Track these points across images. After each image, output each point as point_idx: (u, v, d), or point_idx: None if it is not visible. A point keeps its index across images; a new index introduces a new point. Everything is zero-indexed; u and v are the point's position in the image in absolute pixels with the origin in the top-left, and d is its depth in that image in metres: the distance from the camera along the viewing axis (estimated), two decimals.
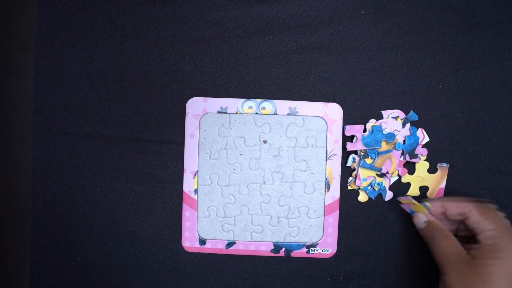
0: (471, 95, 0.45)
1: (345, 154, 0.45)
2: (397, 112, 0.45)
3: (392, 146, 0.44)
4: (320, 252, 0.46)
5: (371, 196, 0.45)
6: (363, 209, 0.46)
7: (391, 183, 0.45)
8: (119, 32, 0.45)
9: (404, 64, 0.45)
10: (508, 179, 0.45)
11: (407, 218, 0.45)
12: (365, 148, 0.44)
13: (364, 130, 0.45)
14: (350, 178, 0.46)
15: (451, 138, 0.45)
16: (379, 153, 0.44)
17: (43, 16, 0.46)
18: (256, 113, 0.45)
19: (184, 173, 0.45)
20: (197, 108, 0.45)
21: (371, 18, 0.45)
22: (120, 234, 0.46)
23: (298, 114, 0.45)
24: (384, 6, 0.45)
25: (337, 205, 0.45)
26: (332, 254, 0.46)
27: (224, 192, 0.46)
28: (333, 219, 0.45)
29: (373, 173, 0.45)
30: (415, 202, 0.42)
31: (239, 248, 0.46)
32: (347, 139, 0.45)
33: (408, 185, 0.45)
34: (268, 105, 0.45)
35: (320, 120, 0.45)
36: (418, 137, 0.45)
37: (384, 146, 0.44)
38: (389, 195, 0.45)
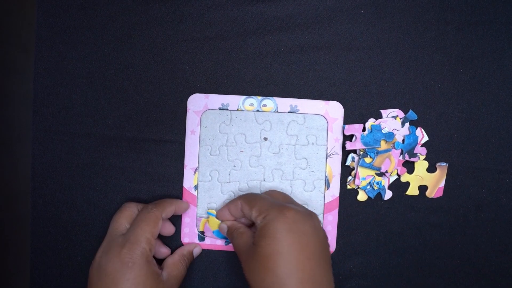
0: (470, 94, 0.45)
1: (345, 153, 0.45)
2: (396, 112, 0.45)
3: (391, 145, 0.44)
4: None
5: (370, 195, 0.45)
6: (362, 208, 0.46)
7: (390, 182, 0.45)
8: (118, 32, 0.46)
9: (404, 63, 0.45)
10: (507, 178, 0.45)
11: (406, 217, 0.46)
12: (364, 147, 0.44)
13: (363, 129, 0.45)
14: (349, 177, 0.46)
15: (450, 137, 0.45)
16: (378, 152, 0.44)
17: (43, 16, 0.46)
18: (257, 111, 0.45)
19: (185, 169, 0.45)
20: (198, 104, 0.45)
21: (370, 18, 0.45)
22: None
23: (299, 112, 0.45)
24: (384, 6, 0.45)
25: (337, 203, 0.45)
26: (331, 253, 0.46)
27: (224, 188, 0.46)
28: (333, 217, 0.45)
29: (372, 172, 0.45)
30: (206, 218, 0.45)
31: None
32: (346, 138, 0.45)
33: (407, 184, 0.45)
34: (269, 103, 0.45)
35: (321, 118, 0.45)
36: (417, 136, 0.45)
37: (383, 145, 0.44)
38: (388, 194, 0.45)
